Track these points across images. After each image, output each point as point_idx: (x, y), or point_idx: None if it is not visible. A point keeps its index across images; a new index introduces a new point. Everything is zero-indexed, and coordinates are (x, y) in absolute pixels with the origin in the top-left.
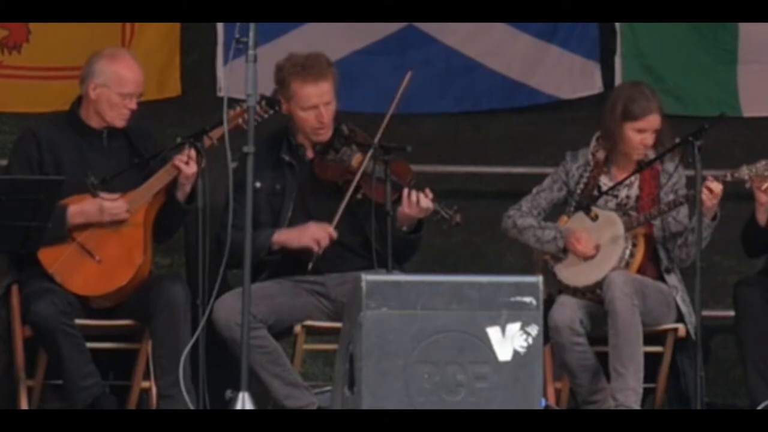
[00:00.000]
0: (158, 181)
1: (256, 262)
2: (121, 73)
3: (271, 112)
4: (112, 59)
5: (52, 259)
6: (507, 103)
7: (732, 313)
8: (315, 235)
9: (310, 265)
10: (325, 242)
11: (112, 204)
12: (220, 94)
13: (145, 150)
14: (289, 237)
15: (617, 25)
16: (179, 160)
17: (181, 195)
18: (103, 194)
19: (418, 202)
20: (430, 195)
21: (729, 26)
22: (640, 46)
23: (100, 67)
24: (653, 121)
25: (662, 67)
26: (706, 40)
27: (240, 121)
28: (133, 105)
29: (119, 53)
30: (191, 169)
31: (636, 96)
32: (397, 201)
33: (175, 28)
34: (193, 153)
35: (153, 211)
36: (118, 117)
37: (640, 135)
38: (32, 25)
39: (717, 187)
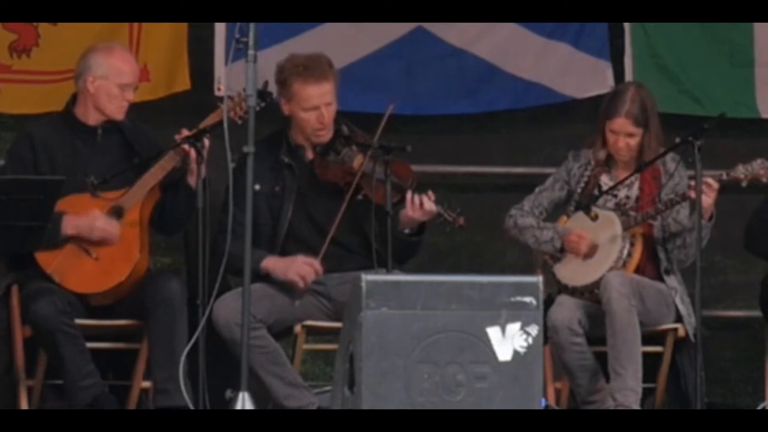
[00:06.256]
0: (152, 177)
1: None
2: (119, 65)
3: (263, 104)
4: (108, 52)
5: (50, 258)
6: (521, 103)
7: (731, 313)
8: (300, 271)
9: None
10: (310, 278)
11: (106, 227)
12: (219, 93)
13: (141, 147)
14: (276, 267)
15: (626, 25)
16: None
17: (192, 180)
18: (102, 194)
19: (422, 205)
20: (433, 197)
21: (744, 29)
22: (654, 46)
23: (97, 60)
24: (621, 123)
25: (678, 67)
26: (720, 42)
27: (232, 114)
28: (131, 96)
29: (114, 46)
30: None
31: (618, 95)
32: (399, 202)
33: (182, 25)
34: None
35: (148, 208)
36: (117, 109)
37: (613, 136)
38: (41, 29)
39: (712, 185)
